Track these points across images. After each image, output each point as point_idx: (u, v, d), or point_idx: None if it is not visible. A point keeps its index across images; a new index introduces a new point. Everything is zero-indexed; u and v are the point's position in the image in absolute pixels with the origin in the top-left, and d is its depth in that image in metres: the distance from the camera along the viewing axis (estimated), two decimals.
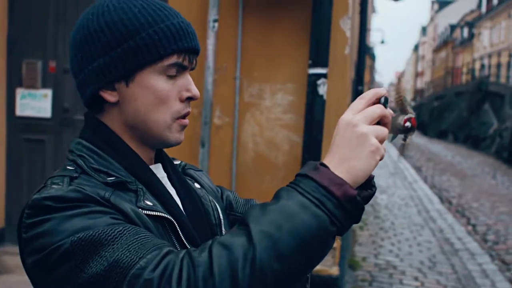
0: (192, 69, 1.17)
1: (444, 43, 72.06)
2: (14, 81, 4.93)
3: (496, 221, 8.90)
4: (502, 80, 31.36)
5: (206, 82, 4.14)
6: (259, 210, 0.93)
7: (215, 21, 4.12)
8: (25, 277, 1.05)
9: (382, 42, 31.56)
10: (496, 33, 46.20)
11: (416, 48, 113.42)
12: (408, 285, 5.54)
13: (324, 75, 3.87)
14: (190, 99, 1.15)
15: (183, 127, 1.16)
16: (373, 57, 62.67)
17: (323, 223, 0.91)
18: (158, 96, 1.11)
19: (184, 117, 1.15)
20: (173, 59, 1.10)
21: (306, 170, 0.97)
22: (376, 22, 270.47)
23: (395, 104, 1.11)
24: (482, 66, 47.84)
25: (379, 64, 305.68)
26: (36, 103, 4.87)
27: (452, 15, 72.45)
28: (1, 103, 4.92)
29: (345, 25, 4.20)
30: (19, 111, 4.93)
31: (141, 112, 1.11)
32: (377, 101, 1.02)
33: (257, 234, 0.89)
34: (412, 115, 1.07)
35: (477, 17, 54.02)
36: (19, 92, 4.91)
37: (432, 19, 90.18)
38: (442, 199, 10.71)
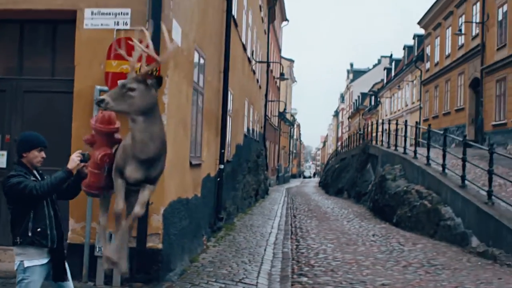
0: None
1: (357, 110, 77.88)
2: None
3: (319, 244, 12.61)
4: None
5: None
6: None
7: None
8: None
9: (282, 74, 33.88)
10: (393, 102, 51.78)
11: (336, 113, 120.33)
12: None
13: None
14: None
15: None
16: (290, 124, 67.52)
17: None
18: None
19: None
20: None
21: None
22: (296, 89, 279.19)
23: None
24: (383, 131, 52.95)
25: (305, 129, 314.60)
26: None
27: (364, 84, 78.64)
28: None
29: None
30: None
31: None
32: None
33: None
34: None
35: (381, 87, 59.83)
36: None
37: (348, 87, 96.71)
38: (291, 232, 14.45)
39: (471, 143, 15.48)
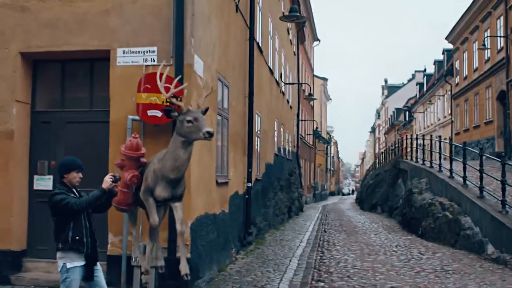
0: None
1: (392, 125, 78.14)
2: (32, 171, 9.54)
3: (342, 255, 13.39)
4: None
5: None
6: None
7: None
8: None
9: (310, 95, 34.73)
10: (426, 116, 52.11)
11: (373, 130, 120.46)
12: None
13: None
14: None
15: None
16: (326, 142, 68.16)
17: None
18: None
19: None
20: None
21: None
22: (332, 107, 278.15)
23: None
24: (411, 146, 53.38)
25: (343, 146, 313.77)
26: (44, 182, 9.46)
27: (399, 100, 78.91)
28: (25, 184, 9.51)
29: None
30: (35, 187, 9.52)
31: None
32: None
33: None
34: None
35: (414, 103, 60.18)
36: (35, 177, 9.52)
37: (383, 103, 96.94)
38: (318, 245, 15.25)
39: (486, 155, 16.00)
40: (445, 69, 43.23)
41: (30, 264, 9.47)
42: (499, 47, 29.00)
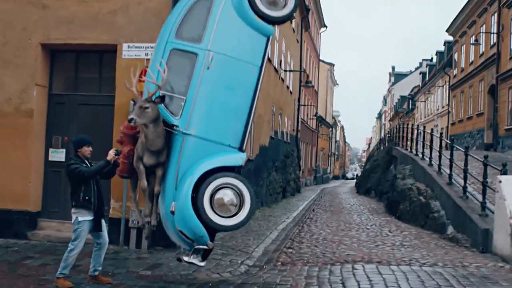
0: None
1: (396, 113, 79.42)
2: (47, 145, 11.19)
3: (320, 230, 14.98)
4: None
5: None
6: None
7: None
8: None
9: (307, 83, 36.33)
10: (427, 105, 53.48)
11: (379, 116, 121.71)
12: None
13: None
14: None
15: None
16: (330, 126, 69.62)
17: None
18: None
19: None
20: None
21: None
22: (341, 91, 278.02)
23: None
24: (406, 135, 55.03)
25: (351, 131, 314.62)
26: (58, 155, 11.12)
27: (405, 87, 79.99)
28: (41, 155, 11.17)
29: None
30: (50, 158, 11.18)
31: None
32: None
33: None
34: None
35: (417, 91, 61.47)
36: (50, 150, 11.18)
37: (389, 90, 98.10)
38: (301, 221, 16.87)
39: (457, 147, 17.41)
40: (445, 60, 44.51)
41: (44, 223, 11.20)
42: (492, 43, 30.34)
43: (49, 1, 10.94)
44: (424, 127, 29.20)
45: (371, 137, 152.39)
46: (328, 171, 76.52)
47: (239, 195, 7.23)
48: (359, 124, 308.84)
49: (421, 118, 56.12)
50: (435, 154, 19.35)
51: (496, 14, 29.63)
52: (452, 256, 10.66)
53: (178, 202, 7.14)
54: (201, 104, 7.25)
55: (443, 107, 45.17)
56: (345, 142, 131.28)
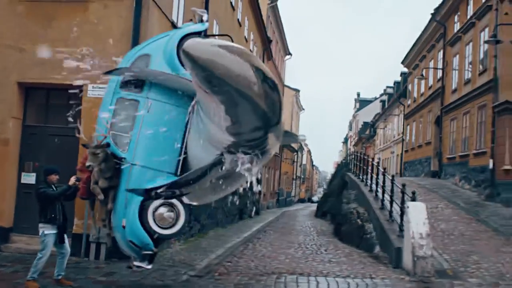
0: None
1: (360, 138, 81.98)
2: (20, 169, 12.88)
3: (263, 248, 16.73)
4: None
5: None
6: None
7: None
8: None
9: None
10: (386, 132, 55.96)
11: (346, 140, 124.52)
12: None
13: None
14: None
15: None
16: (294, 150, 71.70)
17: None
18: None
19: None
20: None
21: None
22: (308, 116, 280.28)
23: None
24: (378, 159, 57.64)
25: (320, 154, 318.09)
26: (29, 178, 12.81)
27: (369, 114, 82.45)
28: (15, 178, 12.84)
29: None
30: (22, 181, 12.87)
31: None
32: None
33: None
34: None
35: (378, 119, 63.99)
36: (23, 174, 12.87)
37: (354, 116, 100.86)
38: (249, 240, 18.64)
39: (386, 174, 19.44)
40: (401, 90, 46.98)
41: (15, 237, 12.87)
42: (438, 77, 32.71)
43: (26, 45, 12.69)
44: (376, 157, 31.16)
45: (338, 161, 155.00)
46: (293, 194, 78.43)
47: (175, 210, 9.02)
48: (329, 148, 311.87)
49: (380, 145, 58.62)
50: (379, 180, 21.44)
51: (441, 51, 32.04)
52: (367, 270, 12.52)
53: (128, 218, 8.91)
54: (143, 140, 9.07)
55: (398, 134, 47.54)
56: (312, 165, 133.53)
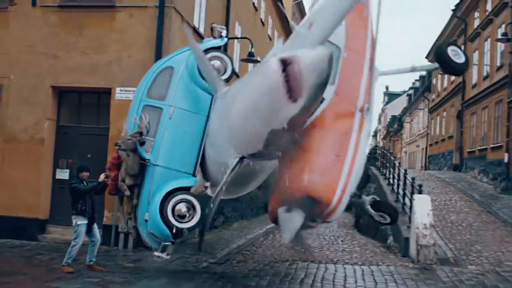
0: None
1: (388, 132, 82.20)
2: (55, 166, 14.05)
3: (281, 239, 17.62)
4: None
5: None
6: None
7: None
8: None
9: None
10: (412, 126, 56.37)
11: (375, 134, 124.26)
12: None
13: None
14: None
15: None
16: None
17: None
18: None
19: None
20: None
21: None
22: None
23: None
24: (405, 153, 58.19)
25: None
26: (63, 174, 13.97)
27: (398, 107, 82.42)
28: (50, 174, 14.01)
29: None
30: (57, 177, 14.04)
31: None
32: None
33: None
34: None
35: (405, 112, 64.30)
36: (57, 170, 14.05)
37: (383, 109, 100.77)
38: (271, 232, 19.58)
39: (400, 168, 20.23)
40: (425, 85, 47.37)
41: (51, 228, 14.08)
42: None
43: (59, 52, 13.85)
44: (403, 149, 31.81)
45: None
46: None
47: (192, 206, 10.00)
48: None
49: (407, 138, 59.02)
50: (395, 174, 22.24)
51: (463, 47, 32.47)
52: (376, 258, 13.43)
53: (150, 213, 9.94)
54: (165, 143, 10.12)
55: (423, 128, 47.96)
56: None
